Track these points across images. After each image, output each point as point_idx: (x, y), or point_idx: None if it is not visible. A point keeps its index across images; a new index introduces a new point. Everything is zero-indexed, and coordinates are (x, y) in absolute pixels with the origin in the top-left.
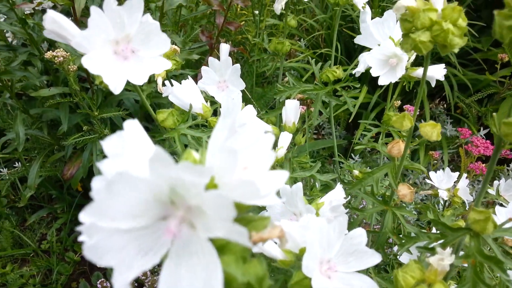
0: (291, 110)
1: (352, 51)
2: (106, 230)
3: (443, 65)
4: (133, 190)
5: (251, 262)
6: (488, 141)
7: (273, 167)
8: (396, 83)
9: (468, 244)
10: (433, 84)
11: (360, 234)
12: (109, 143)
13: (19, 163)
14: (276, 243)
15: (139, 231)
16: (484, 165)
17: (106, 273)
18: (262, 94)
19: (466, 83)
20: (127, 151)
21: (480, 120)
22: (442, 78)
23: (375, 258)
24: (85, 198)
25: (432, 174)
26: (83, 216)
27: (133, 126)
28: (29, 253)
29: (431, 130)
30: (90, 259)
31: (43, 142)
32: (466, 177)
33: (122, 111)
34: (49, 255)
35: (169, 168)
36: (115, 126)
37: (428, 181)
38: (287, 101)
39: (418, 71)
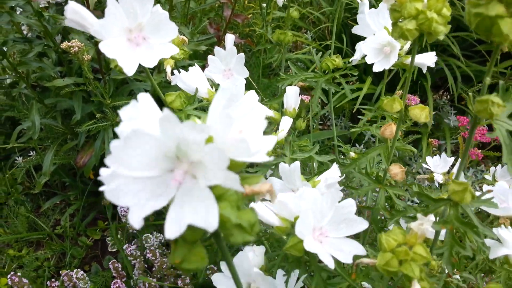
0: (292, 96)
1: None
2: (123, 177)
3: (433, 53)
4: (145, 145)
5: (244, 210)
6: (485, 129)
7: (274, 149)
8: (400, 74)
9: (448, 218)
10: (424, 70)
11: (350, 204)
12: (125, 111)
13: (34, 151)
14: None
15: (151, 179)
16: (480, 151)
17: (118, 256)
18: (268, 85)
19: (470, 74)
20: (140, 116)
21: None
22: (432, 65)
23: (363, 225)
24: (97, 186)
25: (428, 159)
26: (103, 170)
27: (145, 98)
28: (43, 237)
29: (420, 113)
30: (110, 200)
31: (57, 132)
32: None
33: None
34: (63, 239)
35: (176, 127)
36: None
37: (424, 165)
38: (287, 88)
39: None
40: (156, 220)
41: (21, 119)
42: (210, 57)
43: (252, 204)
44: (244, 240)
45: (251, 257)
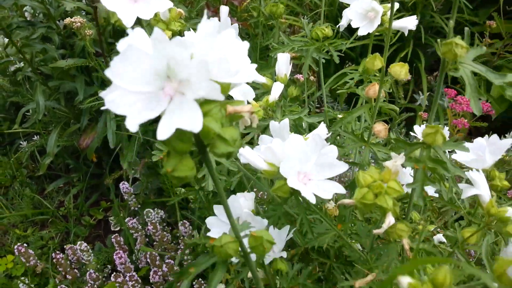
0: (283, 63)
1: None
2: (121, 90)
3: (414, 17)
4: (139, 60)
5: (228, 127)
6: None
7: (266, 112)
8: (395, 55)
9: (421, 157)
10: (406, 33)
11: (332, 150)
12: (122, 41)
13: (38, 136)
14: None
15: (145, 94)
16: (466, 120)
17: (120, 233)
18: (265, 66)
19: None
20: (136, 42)
21: None
22: (413, 28)
23: (343, 167)
24: (100, 168)
25: (416, 127)
26: (104, 92)
27: (140, 31)
28: (48, 217)
29: (400, 70)
30: (110, 109)
31: (60, 116)
32: (448, 129)
33: None
34: (67, 220)
35: (166, 44)
36: None
37: (412, 134)
38: (279, 54)
39: (395, 23)
40: (157, 198)
41: (25, 104)
42: None
43: (241, 150)
44: (227, 150)
45: (242, 202)
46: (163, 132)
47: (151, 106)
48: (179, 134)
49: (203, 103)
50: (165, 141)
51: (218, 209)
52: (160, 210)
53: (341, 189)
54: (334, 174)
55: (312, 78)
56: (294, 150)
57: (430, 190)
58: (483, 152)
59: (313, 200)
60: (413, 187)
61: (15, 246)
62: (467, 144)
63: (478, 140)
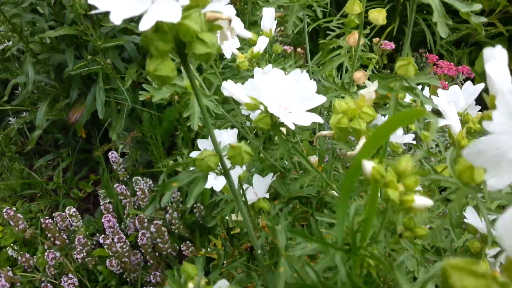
0: (268, 18)
1: (342, 3)
2: None
3: None
4: None
5: (207, 32)
6: (452, 64)
7: (251, 63)
8: (381, 31)
9: (394, 86)
10: None
11: (311, 85)
12: None
13: (27, 113)
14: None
15: None
16: (447, 82)
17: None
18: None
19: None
20: None
21: (460, 63)
22: None
23: (321, 99)
24: (89, 144)
25: None
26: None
27: None
28: (37, 192)
29: (378, 15)
30: (95, 4)
31: (49, 92)
32: (429, 91)
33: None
34: (56, 194)
35: None
36: (116, 70)
37: None
38: (263, 9)
39: None
40: (146, 169)
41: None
42: None
43: (224, 83)
44: (206, 51)
45: (225, 137)
46: (145, 24)
47: (135, 6)
48: (161, 34)
49: (184, 9)
50: (148, 42)
51: (201, 143)
52: (149, 179)
53: (318, 119)
54: (313, 106)
55: (299, 50)
56: (275, 84)
57: (408, 137)
58: (457, 98)
59: (292, 127)
60: (387, 114)
61: (4, 210)
62: (443, 91)
63: (453, 87)
